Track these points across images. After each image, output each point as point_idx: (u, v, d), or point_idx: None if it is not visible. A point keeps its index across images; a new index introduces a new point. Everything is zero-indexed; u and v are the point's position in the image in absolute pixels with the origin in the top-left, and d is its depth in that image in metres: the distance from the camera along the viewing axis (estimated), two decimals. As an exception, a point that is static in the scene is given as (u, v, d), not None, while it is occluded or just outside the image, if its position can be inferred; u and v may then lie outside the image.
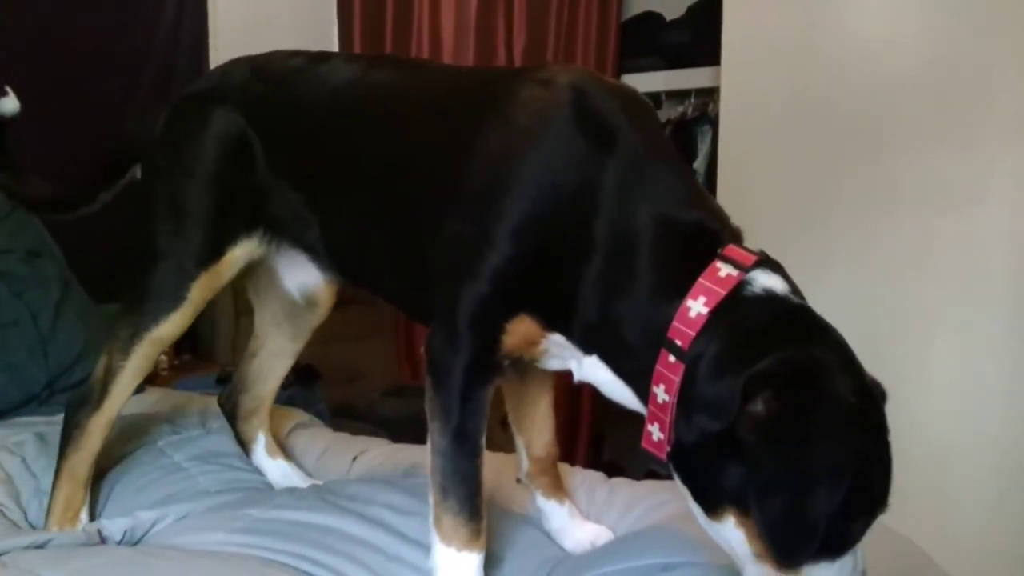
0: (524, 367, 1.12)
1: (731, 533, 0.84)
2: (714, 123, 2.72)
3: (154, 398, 1.81)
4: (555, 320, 0.97)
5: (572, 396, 2.90)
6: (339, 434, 1.71)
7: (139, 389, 1.93)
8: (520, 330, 0.97)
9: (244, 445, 1.48)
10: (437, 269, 1.03)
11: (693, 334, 0.86)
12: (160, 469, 1.38)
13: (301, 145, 1.22)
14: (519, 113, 0.98)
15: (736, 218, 1.01)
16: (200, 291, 1.23)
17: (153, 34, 2.72)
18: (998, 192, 2.27)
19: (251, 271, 1.36)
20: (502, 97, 1.01)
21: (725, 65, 2.61)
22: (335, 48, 3.33)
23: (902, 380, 2.28)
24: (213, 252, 1.24)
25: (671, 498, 1.27)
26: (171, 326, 1.23)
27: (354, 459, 1.55)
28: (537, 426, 1.24)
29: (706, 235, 0.93)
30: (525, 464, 1.24)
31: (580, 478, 1.41)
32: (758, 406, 0.79)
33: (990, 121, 2.29)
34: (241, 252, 1.26)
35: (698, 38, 2.82)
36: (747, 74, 2.57)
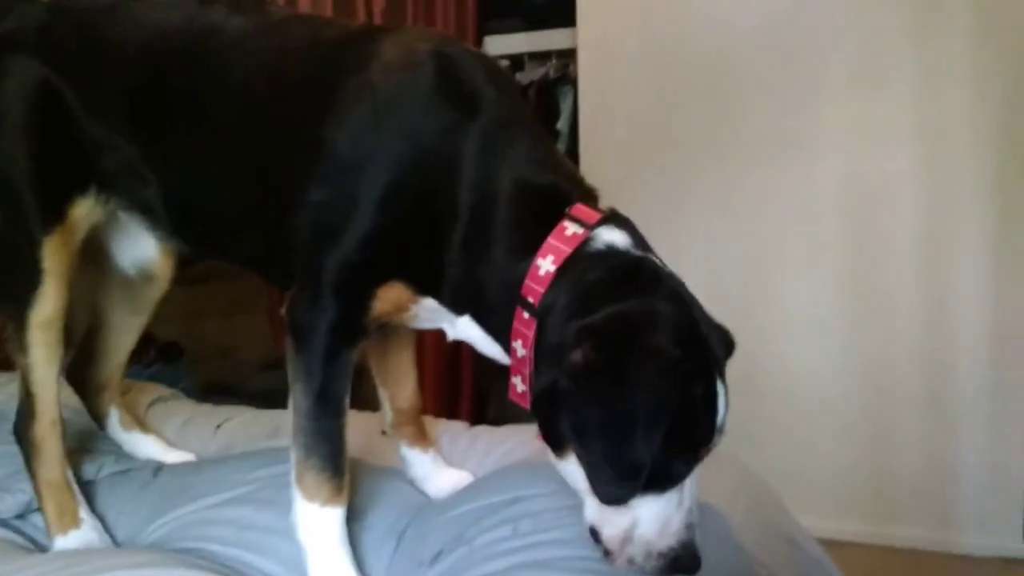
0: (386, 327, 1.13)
1: (572, 471, 0.89)
2: (575, 84, 2.78)
3: (2, 380, 1.73)
4: (425, 285, 0.99)
5: (453, 355, 2.94)
6: (202, 405, 1.69)
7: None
8: (391, 296, 0.98)
9: (97, 420, 1.43)
10: (299, 233, 1.00)
11: (542, 291, 0.91)
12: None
13: (127, 93, 1.13)
14: (383, 80, 0.98)
15: (597, 173, 1.06)
16: (54, 259, 1.14)
17: None
18: (833, 140, 2.44)
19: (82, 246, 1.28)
20: (365, 60, 1.00)
21: (581, 25, 2.67)
22: None
23: (756, 317, 2.46)
24: (51, 215, 1.14)
25: (527, 440, 1.32)
26: (47, 304, 1.14)
27: (217, 427, 1.54)
28: (400, 378, 1.25)
29: (558, 196, 0.96)
30: (389, 416, 1.26)
31: (443, 427, 1.45)
32: (577, 355, 0.84)
33: (826, 76, 2.44)
34: (81, 212, 1.17)
35: (558, -1, 2.87)
36: (602, 34, 2.64)
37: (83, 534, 1.16)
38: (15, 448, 1.22)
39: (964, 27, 2.29)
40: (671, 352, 0.84)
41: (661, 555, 0.87)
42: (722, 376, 0.90)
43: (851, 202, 2.44)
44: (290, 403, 1.01)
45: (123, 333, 1.41)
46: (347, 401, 1.01)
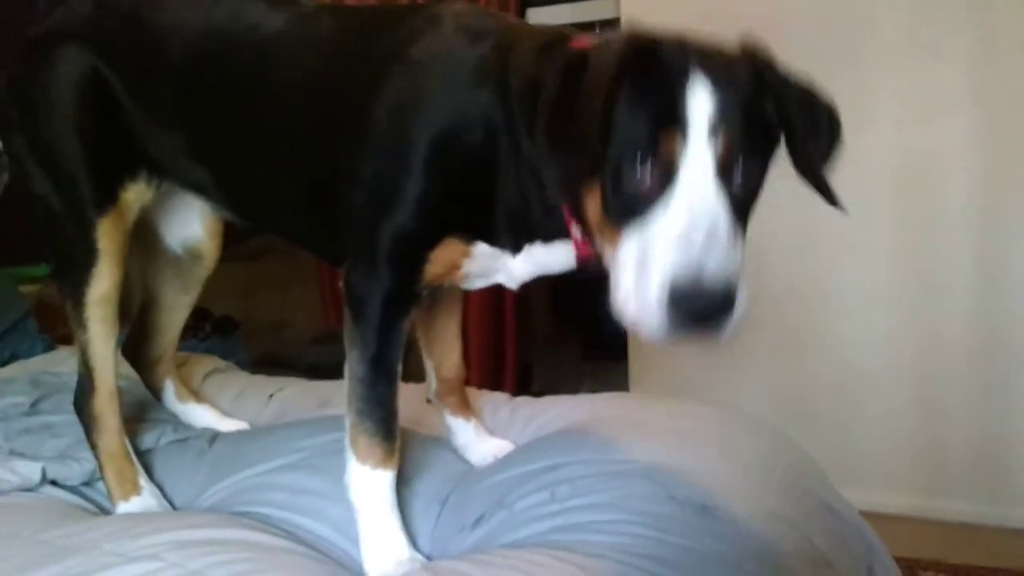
0: (436, 293, 1.16)
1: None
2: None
3: (65, 355, 1.81)
4: (478, 230, 1.02)
5: (497, 329, 2.97)
6: (255, 376, 1.75)
7: (50, 348, 1.96)
8: (444, 256, 1.02)
9: (154, 392, 1.50)
10: (351, 209, 1.05)
11: None
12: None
13: (174, 83, 1.18)
14: (416, 53, 1.02)
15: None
16: (108, 239, 1.19)
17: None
18: (884, 109, 2.38)
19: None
20: (398, 38, 1.04)
21: (624, -5, 2.65)
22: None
23: (804, 292, 2.44)
24: (104, 198, 1.20)
25: (566, 411, 1.35)
26: (103, 282, 1.20)
27: (271, 396, 1.60)
28: (446, 348, 1.29)
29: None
30: (434, 385, 1.30)
31: (485, 398, 1.48)
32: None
33: (877, 41, 2.38)
34: (133, 195, 1.23)
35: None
36: (646, 3, 2.61)
37: (143, 500, 1.23)
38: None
39: None
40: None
41: (675, 293, 0.78)
42: (705, 67, 0.84)
43: (902, 173, 2.38)
44: (346, 369, 1.05)
45: (174, 310, 1.47)
46: (399, 368, 1.05)
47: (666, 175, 0.82)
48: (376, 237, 1.01)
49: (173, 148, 1.21)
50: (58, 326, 2.25)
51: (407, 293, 1.04)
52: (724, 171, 0.83)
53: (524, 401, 1.49)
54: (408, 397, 1.36)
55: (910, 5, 2.33)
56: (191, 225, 1.36)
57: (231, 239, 1.46)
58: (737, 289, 0.79)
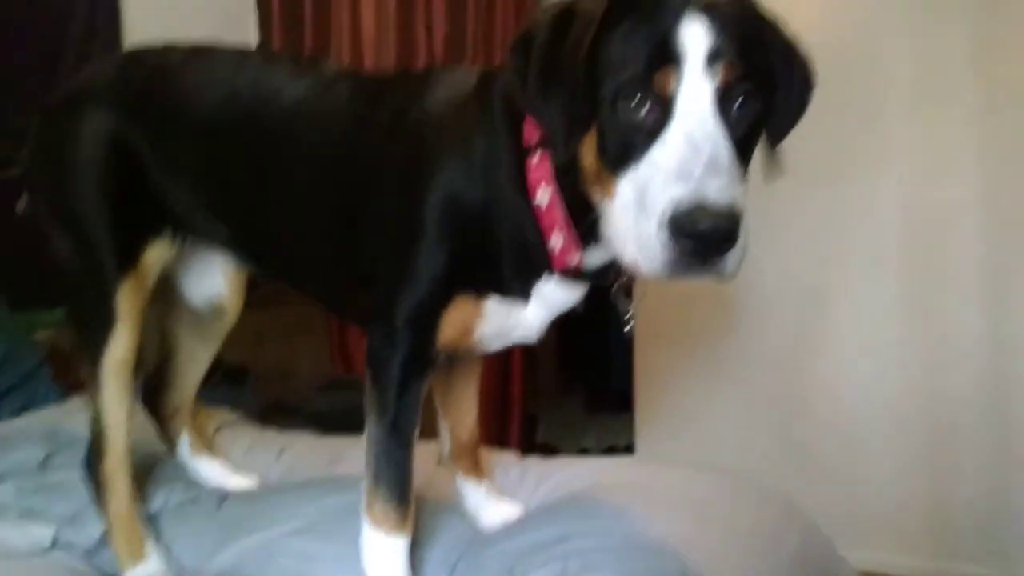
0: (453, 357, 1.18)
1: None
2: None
3: (78, 405, 1.82)
4: (486, 282, 1.03)
5: (503, 379, 2.97)
6: (266, 431, 1.75)
7: (62, 398, 1.96)
8: (456, 318, 1.03)
9: (168, 443, 1.50)
10: (366, 271, 1.08)
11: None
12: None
13: (197, 145, 1.20)
14: (422, 121, 1.06)
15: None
16: (128, 303, 1.20)
17: (64, 39, 2.68)
18: (894, 163, 2.40)
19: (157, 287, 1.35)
20: (401, 105, 1.08)
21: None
22: (254, 38, 3.32)
23: (809, 345, 2.44)
24: (126, 260, 1.21)
25: (576, 474, 1.36)
26: (120, 345, 1.20)
27: (281, 452, 1.60)
28: (463, 411, 1.30)
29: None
30: (448, 446, 1.31)
31: (495, 458, 1.48)
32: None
33: (888, 97, 2.41)
34: (154, 256, 1.24)
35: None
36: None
37: (150, 566, 1.22)
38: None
39: None
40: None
41: (676, 223, 0.78)
42: (699, 9, 0.84)
43: (912, 226, 2.40)
44: (365, 431, 1.07)
45: (194, 363, 1.48)
46: (416, 432, 1.07)
47: (662, 109, 0.82)
48: (389, 302, 1.03)
49: (197, 206, 1.23)
50: (71, 372, 2.26)
51: (423, 358, 1.05)
52: (723, 103, 0.83)
53: (534, 462, 1.49)
54: (420, 456, 1.37)
55: (919, 64, 2.37)
56: (214, 280, 1.38)
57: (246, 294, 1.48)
58: (740, 217, 0.79)
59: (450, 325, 1.03)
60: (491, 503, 1.30)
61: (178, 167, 1.22)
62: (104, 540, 1.27)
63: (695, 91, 0.82)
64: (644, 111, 0.83)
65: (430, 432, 1.35)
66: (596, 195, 0.89)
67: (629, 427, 2.75)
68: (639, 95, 0.83)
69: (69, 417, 1.74)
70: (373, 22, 3.16)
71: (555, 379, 3.33)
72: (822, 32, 2.43)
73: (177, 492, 1.39)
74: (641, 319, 2.58)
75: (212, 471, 1.49)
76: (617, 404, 2.95)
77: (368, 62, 3.16)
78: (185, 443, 1.50)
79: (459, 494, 1.32)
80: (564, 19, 0.87)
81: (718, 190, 0.78)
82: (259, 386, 2.73)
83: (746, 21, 0.88)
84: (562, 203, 0.96)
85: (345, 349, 3.12)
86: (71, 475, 1.41)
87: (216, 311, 1.43)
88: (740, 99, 0.85)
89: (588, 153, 0.88)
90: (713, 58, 0.83)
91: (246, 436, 1.70)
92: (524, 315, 1.06)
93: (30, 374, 1.91)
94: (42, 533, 1.23)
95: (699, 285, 2.51)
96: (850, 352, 2.49)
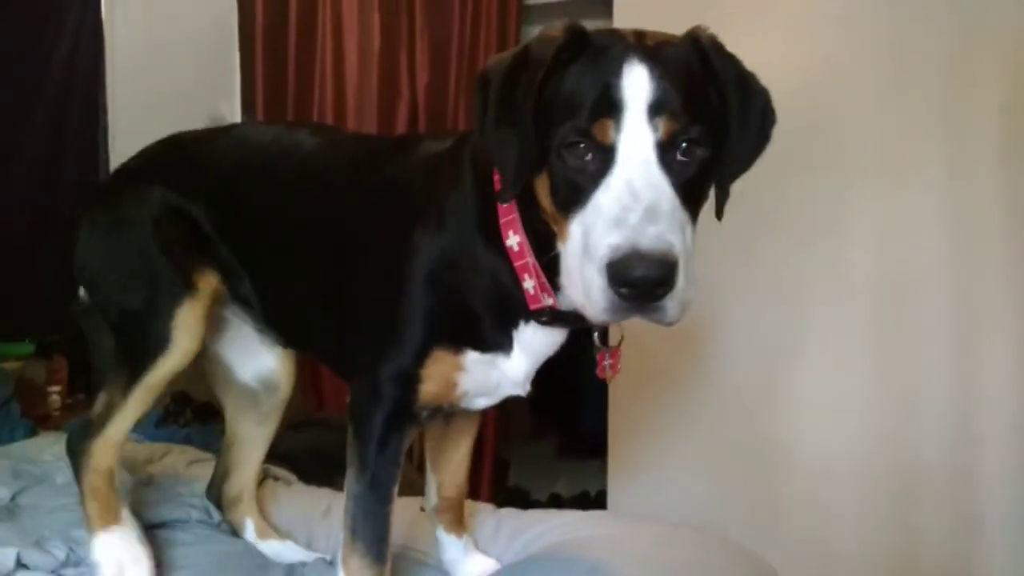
0: (450, 413, 1.19)
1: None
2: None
3: (48, 441, 1.80)
4: (465, 336, 1.04)
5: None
6: (302, 488, 1.73)
7: (31, 433, 1.94)
8: (436, 372, 1.04)
9: (234, 529, 1.49)
10: (354, 328, 1.11)
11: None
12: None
13: (220, 203, 1.28)
14: (392, 186, 1.12)
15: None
16: (182, 332, 1.23)
17: (49, 66, 2.69)
18: (861, 225, 2.45)
19: (208, 367, 1.41)
20: (396, 172, 1.13)
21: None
22: (236, 80, 3.34)
23: (780, 401, 2.47)
24: (181, 284, 1.25)
25: (551, 528, 1.36)
26: (167, 366, 1.23)
27: (327, 509, 1.57)
28: (453, 468, 1.32)
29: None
30: (434, 500, 1.32)
31: (471, 510, 1.48)
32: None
33: (855, 160, 2.47)
34: (206, 283, 1.27)
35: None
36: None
37: (122, 530, 1.24)
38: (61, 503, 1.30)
39: (996, 114, 2.31)
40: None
41: (611, 271, 0.81)
42: (643, 52, 0.88)
43: (879, 288, 2.45)
44: (345, 486, 1.07)
45: (252, 447, 1.49)
46: (395, 489, 1.07)
47: (604, 157, 0.85)
48: (372, 357, 1.05)
49: (224, 257, 1.28)
50: (38, 406, 2.23)
51: (404, 414, 1.06)
52: (665, 151, 0.85)
53: (508, 514, 1.49)
54: (400, 509, 1.37)
55: (888, 128, 2.42)
56: (264, 356, 1.41)
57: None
58: (676, 265, 0.81)
59: (431, 380, 1.04)
60: (469, 557, 1.31)
61: (209, 221, 1.28)
62: (68, 561, 1.26)
63: (636, 140, 0.85)
64: (588, 158, 0.86)
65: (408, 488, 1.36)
66: (555, 235, 0.92)
67: (600, 473, 2.75)
68: (582, 144, 0.86)
69: (38, 453, 1.72)
70: (356, 63, 3.20)
71: (527, 424, 3.33)
72: (790, 96, 2.47)
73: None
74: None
75: (284, 552, 1.45)
76: (588, 450, 2.95)
77: (351, 99, 3.20)
78: (251, 527, 1.49)
79: (438, 545, 1.32)
80: (518, 62, 0.91)
81: (653, 238, 0.80)
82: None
83: (694, 63, 0.90)
84: (530, 247, 0.98)
85: (317, 387, 3.11)
86: (36, 515, 1.40)
87: (269, 387, 1.45)
88: (684, 146, 0.87)
89: (543, 195, 0.91)
90: (654, 110, 0.85)
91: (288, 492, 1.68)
92: (508, 365, 1.06)
93: (0, 407, 1.88)
94: (4, 554, 1.23)
95: (672, 336, 2.55)
96: (818, 410, 2.51)
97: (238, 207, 1.27)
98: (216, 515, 1.48)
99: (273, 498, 1.62)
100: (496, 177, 0.99)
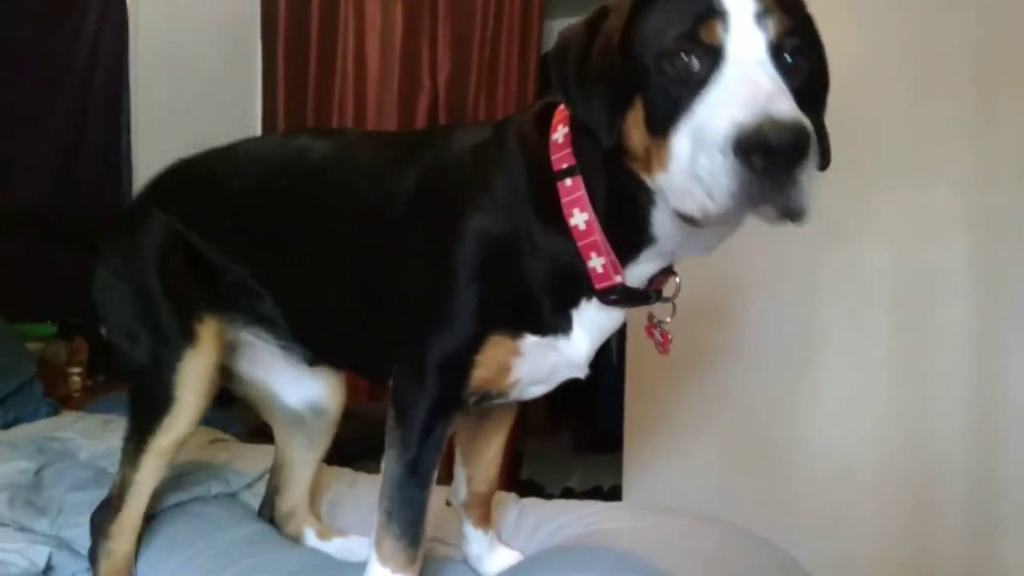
0: (489, 404, 1.16)
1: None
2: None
3: (71, 420, 1.81)
4: (521, 320, 1.01)
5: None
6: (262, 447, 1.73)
7: (54, 411, 1.95)
8: (492, 358, 1.01)
9: (295, 539, 1.47)
10: (401, 324, 1.07)
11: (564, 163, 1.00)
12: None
13: (234, 220, 1.24)
14: (443, 174, 1.08)
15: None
16: (187, 388, 1.19)
17: (72, 57, 2.69)
18: (883, 228, 2.45)
19: (251, 394, 1.40)
20: (427, 161, 1.10)
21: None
22: (258, 72, 3.35)
23: (797, 399, 2.47)
24: (183, 336, 1.20)
25: (574, 519, 1.36)
26: (172, 431, 1.20)
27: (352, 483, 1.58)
28: (484, 463, 1.30)
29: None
30: (463, 494, 1.30)
31: (493, 500, 1.48)
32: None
33: (878, 163, 2.46)
34: (209, 330, 1.22)
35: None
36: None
37: None
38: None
39: (1020, 119, 2.31)
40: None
41: (742, 139, 0.73)
42: None
43: (900, 291, 2.44)
44: (383, 466, 1.06)
45: (302, 468, 1.46)
46: (434, 474, 1.05)
47: (712, 60, 0.80)
48: (419, 343, 1.02)
49: (239, 279, 1.24)
50: (59, 386, 2.25)
51: (452, 401, 1.04)
52: (776, 55, 0.80)
53: (531, 503, 1.49)
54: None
55: (911, 131, 2.42)
56: (309, 380, 1.38)
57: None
58: (809, 135, 0.73)
59: (485, 365, 1.01)
60: (493, 551, 1.30)
61: (221, 243, 1.25)
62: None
63: (747, 39, 0.80)
64: (693, 64, 0.80)
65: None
66: (646, 178, 0.87)
67: (614, 469, 2.75)
68: (686, 51, 0.80)
69: (60, 431, 1.74)
70: (377, 60, 3.21)
71: (543, 417, 3.33)
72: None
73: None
74: (633, 362, 2.63)
75: (351, 547, 1.42)
76: (603, 445, 2.95)
77: (371, 90, 3.20)
78: (311, 534, 1.46)
79: (463, 539, 1.31)
80: (596, 19, 0.89)
81: (784, 109, 0.74)
82: (244, 410, 2.71)
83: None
84: (599, 224, 0.95)
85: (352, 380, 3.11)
86: (61, 491, 1.41)
87: (317, 412, 1.42)
88: (791, 52, 0.83)
89: (633, 131, 0.86)
90: (762, 13, 0.81)
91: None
92: (569, 347, 1.03)
93: (21, 389, 1.90)
94: (39, 553, 1.23)
95: (692, 332, 2.56)
96: (837, 410, 2.51)
97: (249, 224, 1.23)
98: (235, 484, 1.49)
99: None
100: (555, 154, 0.97)
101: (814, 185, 0.75)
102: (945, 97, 2.37)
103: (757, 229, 2.49)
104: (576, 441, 3.37)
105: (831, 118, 2.50)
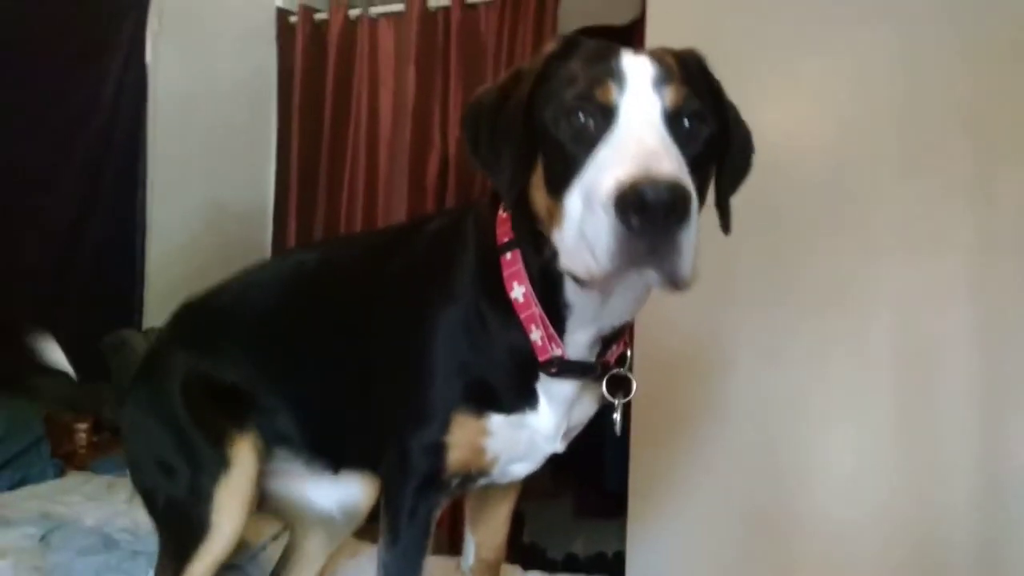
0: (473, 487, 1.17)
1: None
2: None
3: (76, 482, 1.80)
4: (483, 399, 1.03)
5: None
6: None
7: (60, 472, 1.94)
8: (460, 438, 1.03)
9: None
10: (386, 409, 1.10)
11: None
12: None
13: (242, 342, 1.27)
14: (403, 265, 1.13)
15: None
16: (224, 512, 1.18)
17: (92, 108, 2.73)
18: (885, 296, 2.46)
19: (280, 507, 1.39)
20: (403, 260, 1.14)
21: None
22: (273, 129, 3.40)
23: (802, 467, 2.45)
24: (216, 458, 1.20)
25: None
26: (207, 559, 1.18)
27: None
28: (491, 531, 1.32)
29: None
30: (471, 560, 1.32)
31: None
32: None
33: (880, 231, 2.48)
34: (242, 452, 1.21)
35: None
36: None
37: None
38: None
39: (1018, 186, 2.31)
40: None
41: (622, 198, 0.74)
42: (641, 51, 0.87)
43: (903, 360, 2.44)
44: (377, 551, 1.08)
45: (316, 559, 1.47)
46: (424, 559, 1.07)
47: (605, 118, 0.82)
48: (400, 432, 1.06)
49: (254, 400, 1.26)
50: (65, 443, 2.24)
51: (435, 484, 1.06)
52: (671, 121, 0.81)
53: (536, 578, 1.48)
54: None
55: (913, 200, 2.43)
56: (344, 484, 1.38)
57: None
58: (689, 195, 0.74)
59: (457, 447, 1.04)
60: None
61: (234, 366, 1.27)
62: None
63: (641, 103, 0.82)
64: (589, 123, 0.83)
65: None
66: (551, 235, 0.87)
67: (618, 535, 2.72)
68: (582, 110, 0.83)
69: (66, 494, 1.73)
70: (390, 117, 3.26)
71: (546, 480, 3.30)
72: (812, 160, 2.52)
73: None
74: (638, 427, 2.61)
75: None
76: (607, 510, 2.92)
77: (383, 149, 3.25)
78: None
79: (471, 607, 1.31)
80: (508, 81, 0.92)
81: (664, 168, 0.74)
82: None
83: (692, 63, 0.91)
84: (536, 297, 0.97)
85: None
86: (68, 556, 1.41)
87: (349, 513, 1.42)
88: (689, 120, 0.84)
89: (536, 192, 0.89)
90: (659, 80, 0.83)
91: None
92: (537, 421, 1.04)
93: (30, 447, 1.90)
94: None
95: (695, 398, 2.55)
96: (842, 477, 2.49)
97: (259, 342, 1.26)
98: (239, 557, 1.47)
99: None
100: (499, 228, 1.00)
101: (695, 251, 0.76)
102: (944, 162, 2.38)
103: (758, 293, 2.50)
104: (579, 504, 3.33)
105: (827, 184, 2.54)
